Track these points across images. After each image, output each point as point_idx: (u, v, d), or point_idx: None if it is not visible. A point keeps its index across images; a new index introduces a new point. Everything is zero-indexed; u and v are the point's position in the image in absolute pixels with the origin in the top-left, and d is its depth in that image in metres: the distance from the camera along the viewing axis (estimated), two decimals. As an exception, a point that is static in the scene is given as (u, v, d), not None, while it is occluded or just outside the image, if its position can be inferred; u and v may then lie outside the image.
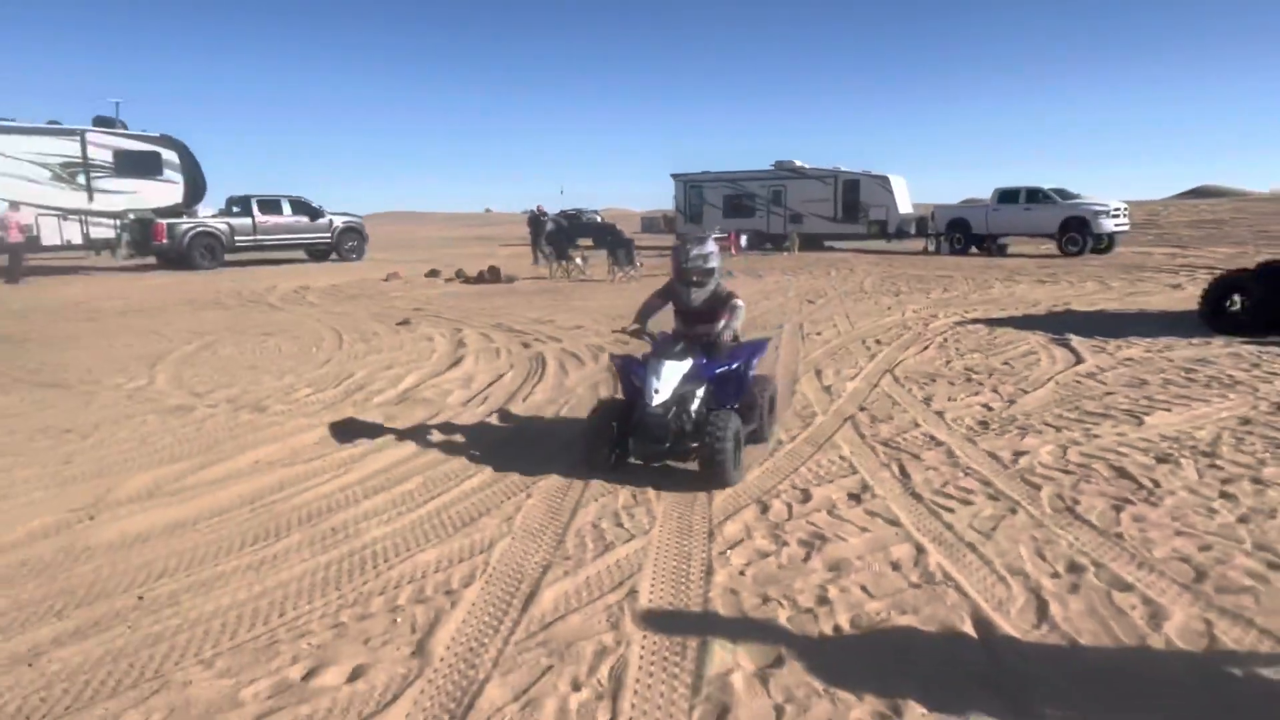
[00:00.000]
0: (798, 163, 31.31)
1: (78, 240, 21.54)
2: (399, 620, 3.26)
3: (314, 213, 24.88)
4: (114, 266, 23.84)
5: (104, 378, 8.03)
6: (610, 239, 21.55)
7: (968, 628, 3.14)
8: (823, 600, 3.40)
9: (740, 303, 5.01)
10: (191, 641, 3.11)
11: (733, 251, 26.11)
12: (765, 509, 4.40)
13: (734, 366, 5.03)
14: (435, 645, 3.06)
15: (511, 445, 5.63)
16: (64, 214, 21.15)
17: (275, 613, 3.34)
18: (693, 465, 4.84)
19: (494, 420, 6.38)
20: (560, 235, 20.43)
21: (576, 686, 2.80)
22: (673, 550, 3.91)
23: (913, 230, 28.74)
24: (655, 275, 18.45)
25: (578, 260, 19.36)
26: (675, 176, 34.73)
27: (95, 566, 3.78)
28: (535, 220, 23.50)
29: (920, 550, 3.83)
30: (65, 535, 4.14)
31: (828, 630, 3.16)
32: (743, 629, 3.18)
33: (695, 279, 4.98)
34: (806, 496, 4.57)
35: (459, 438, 5.82)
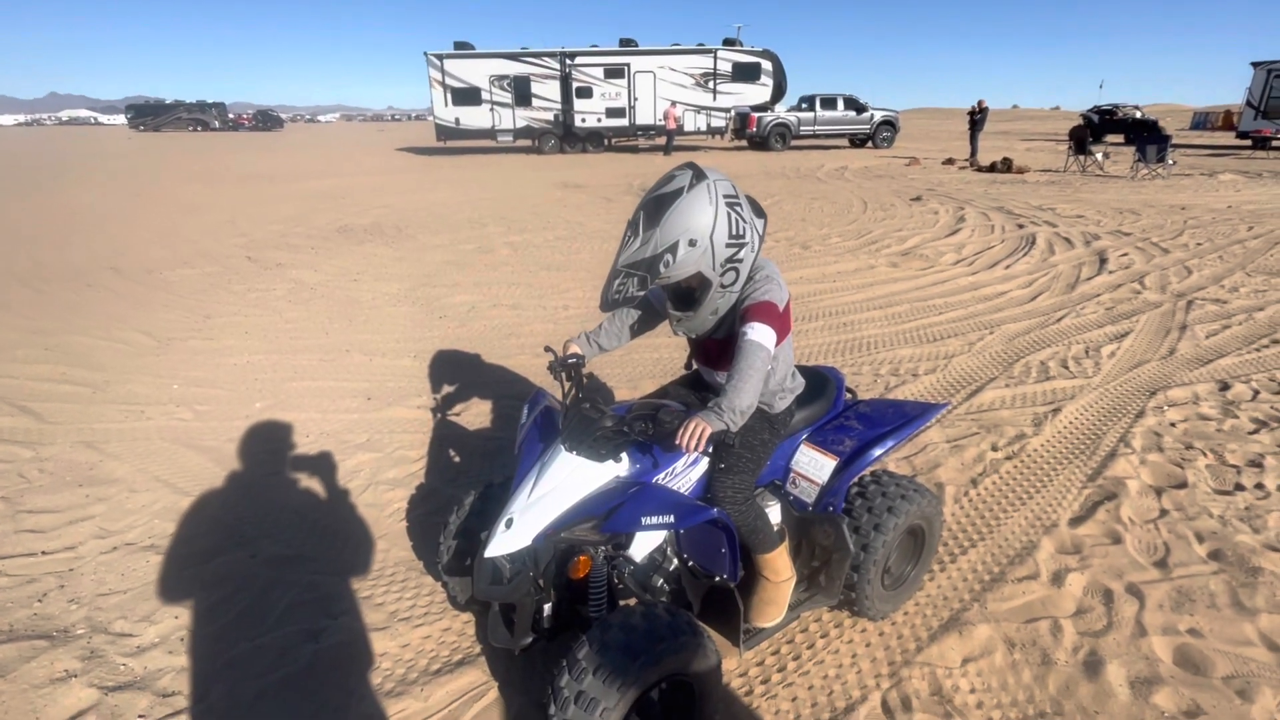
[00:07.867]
0: None
1: (703, 128, 25.32)
2: (877, 380, 3.96)
3: (860, 108, 24.68)
4: (721, 146, 27.54)
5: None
6: (1143, 134, 16.74)
7: None
8: (1255, 464, 3.00)
9: (760, 341, 1.62)
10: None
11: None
12: (1225, 387, 3.78)
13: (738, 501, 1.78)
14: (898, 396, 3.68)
15: (983, 299, 5.62)
16: (698, 109, 25.01)
17: (810, 358, 4.33)
18: None
19: (974, 276, 6.30)
20: (1081, 130, 16.39)
21: (994, 447, 3.17)
22: (1109, 392, 3.74)
23: None
24: (1189, 174, 14.12)
25: (1097, 155, 15.70)
26: (1257, 65, 24.37)
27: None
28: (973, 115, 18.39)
29: None
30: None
31: (1248, 482, 2.85)
32: (1154, 462, 3.06)
33: (671, 287, 1.78)
34: (1283, 388, 3.75)
35: (942, 284, 5.99)
